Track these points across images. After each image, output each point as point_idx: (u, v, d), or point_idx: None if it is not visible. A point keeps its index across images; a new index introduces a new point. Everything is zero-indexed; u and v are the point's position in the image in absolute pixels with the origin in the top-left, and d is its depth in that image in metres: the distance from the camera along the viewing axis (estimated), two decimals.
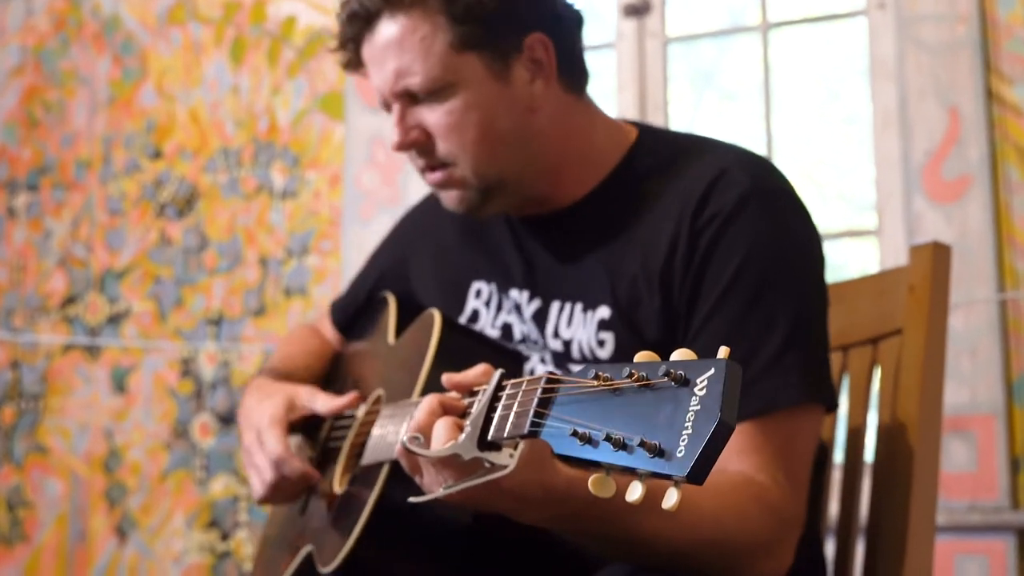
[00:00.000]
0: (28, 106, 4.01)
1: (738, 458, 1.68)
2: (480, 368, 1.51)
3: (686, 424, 1.07)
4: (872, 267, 3.31)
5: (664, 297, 1.79)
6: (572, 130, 1.92)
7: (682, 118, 3.65)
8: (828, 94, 3.58)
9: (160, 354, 3.73)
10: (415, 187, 3.52)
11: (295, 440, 2.00)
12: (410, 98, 1.84)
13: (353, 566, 1.73)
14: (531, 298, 1.93)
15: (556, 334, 1.88)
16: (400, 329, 2.02)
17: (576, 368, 1.83)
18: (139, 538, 3.68)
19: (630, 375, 1.14)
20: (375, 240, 3.49)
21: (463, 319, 2.01)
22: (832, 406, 1.81)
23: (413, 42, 1.84)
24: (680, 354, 1.13)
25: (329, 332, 2.32)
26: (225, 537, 3.61)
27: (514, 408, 1.31)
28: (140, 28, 3.93)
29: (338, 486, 1.91)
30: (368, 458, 1.80)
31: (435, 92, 1.83)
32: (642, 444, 1.08)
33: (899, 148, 3.09)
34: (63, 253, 3.90)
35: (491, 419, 1.36)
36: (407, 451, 1.46)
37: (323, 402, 1.97)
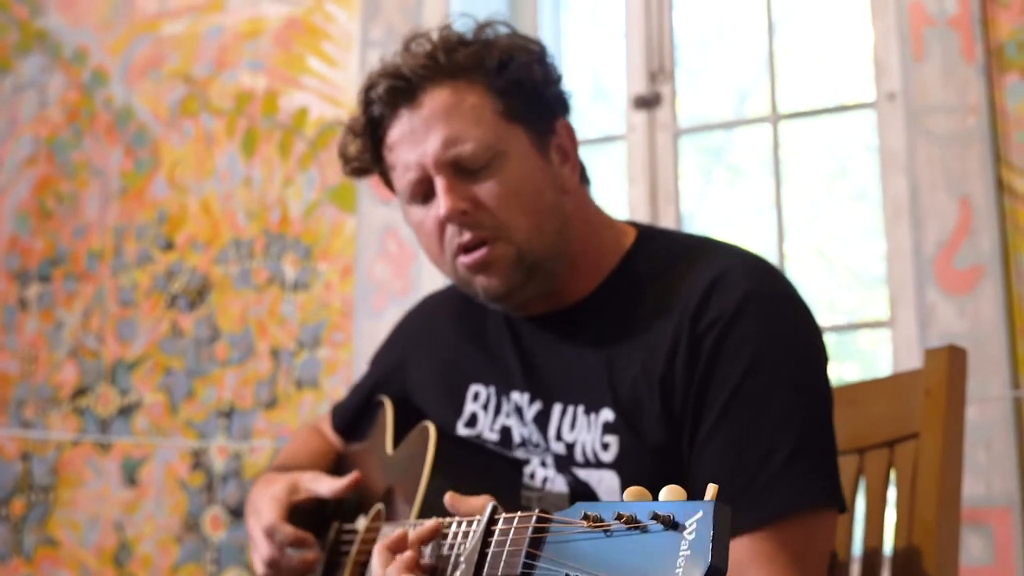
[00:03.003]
0: (40, 197, 4.03)
1: (754, 568, 1.66)
2: (483, 500, 1.50)
3: (677, 570, 1.06)
4: (885, 357, 3.30)
5: (664, 401, 1.77)
6: (588, 222, 1.93)
7: (693, 209, 3.66)
8: (838, 184, 3.59)
9: (171, 446, 3.72)
10: (427, 278, 3.53)
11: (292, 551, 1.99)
12: (456, 169, 1.82)
13: None
14: (532, 400, 1.91)
15: (559, 436, 1.86)
16: (398, 437, 2.01)
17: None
18: None
19: (619, 517, 1.13)
20: (387, 332, 3.51)
21: (461, 422, 2.00)
22: (843, 508, 1.80)
23: (463, 110, 1.83)
24: (669, 492, 1.12)
25: (330, 434, 2.32)
26: None
27: (507, 546, 1.29)
28: (152, 119, 3.95)
29: None
30: None
31: (486, 162, 1.82)
32: None
33: (910, 239, 3.09)
34: (74, 344, 3.90)
35: (485, 555, 1.34)
36: None
37: (326, 485, 1.96)
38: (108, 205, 3.95)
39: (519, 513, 1.30)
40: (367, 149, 1.93)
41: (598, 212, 1.97)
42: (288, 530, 1.90)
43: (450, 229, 1.83)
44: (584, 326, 1.90)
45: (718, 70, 3.93)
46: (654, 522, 1.09)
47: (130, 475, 3.75)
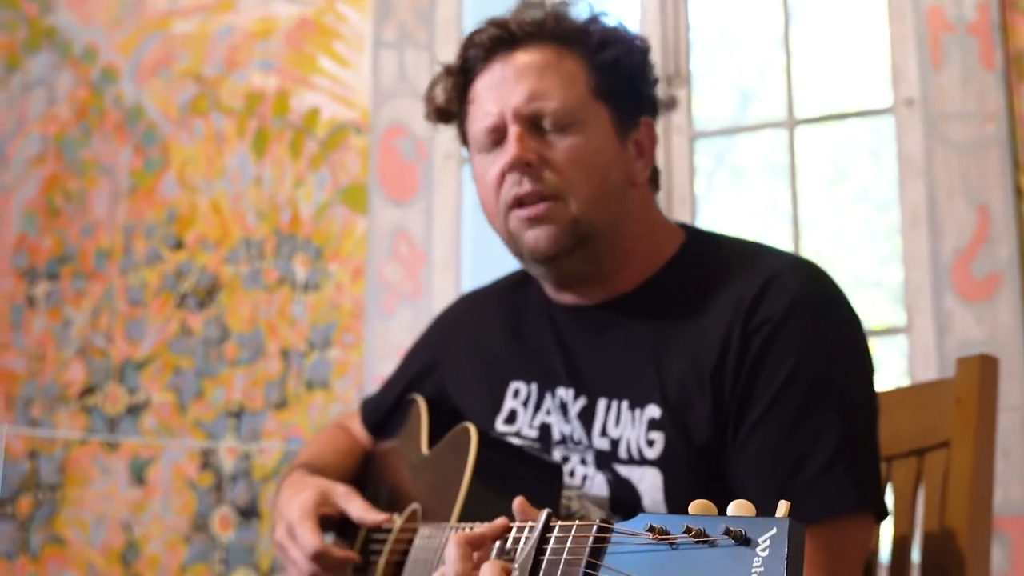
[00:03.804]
0: (49, 195, 4.01)
1: None
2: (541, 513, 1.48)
3: None
4: (901, 364, 3.28)
5: (715, 398, 1.77)
6: (647, 221, 1.94)
7: (708, 212, 3.65)
8: (855, 189, 3.58)
9: (180, 446, 3.71)
10: (438, 280, 3.52)
11: (328, 537, 1.97)
12: (533, 124, 1.85)
13: None
14: (577, 396, 1.90)
15: (604, 432, 1.85)
16: (433, 437, 2.00)
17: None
18: None
19: (687, 530, 1.11)
20: (398, 333, 3.50)
21: (500, 419, 1.99)
22: (882, 515, 1.79)
23: (558, 71, 1.86)
24: (737, 507, 1.10)
25: (359, 431, 2.30)
26: None
27: (564, 555, 1.27)
28: (162, 118, 3.94)
29: None
30: None
31: (564, 124, 1.84)
32: None
33: (928, 246, 3.08)
34: (82, 343, 3.88)
35: (540, 562, 1.33)
36: None
37: (358, 508, 1.94)
38: (117, 204, 3.93)
39: (577, 522, 1.28)
40: (455, 91, 1.95)
41: (658, 214, 1.98)
42: (337, 554, 1.89)
43: (510, 179, 1.85)
44: (630, 320, 1.90)
45: (729, 74, 3.93)
46: (725, 537, 1.06)
47: (138, 474, 3.73)
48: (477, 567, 1.40)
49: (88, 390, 3.85)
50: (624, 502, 1.82)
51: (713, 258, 1.91)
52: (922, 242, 3.09)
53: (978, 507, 1.91)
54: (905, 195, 3.14)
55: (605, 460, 1.84)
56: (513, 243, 1.91)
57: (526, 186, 1.84)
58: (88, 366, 3.86)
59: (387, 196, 3.61)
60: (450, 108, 1.97)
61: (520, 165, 1.83)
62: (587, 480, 1.85)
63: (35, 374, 3.90)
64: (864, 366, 1.83)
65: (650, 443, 1.81)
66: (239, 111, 3.85)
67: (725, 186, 4.29)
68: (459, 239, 3.54)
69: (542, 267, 1.92)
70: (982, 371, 1.95)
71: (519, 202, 1.85)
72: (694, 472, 1.77)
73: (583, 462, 1.87)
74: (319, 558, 1.89)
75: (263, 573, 3.57)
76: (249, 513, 3.61)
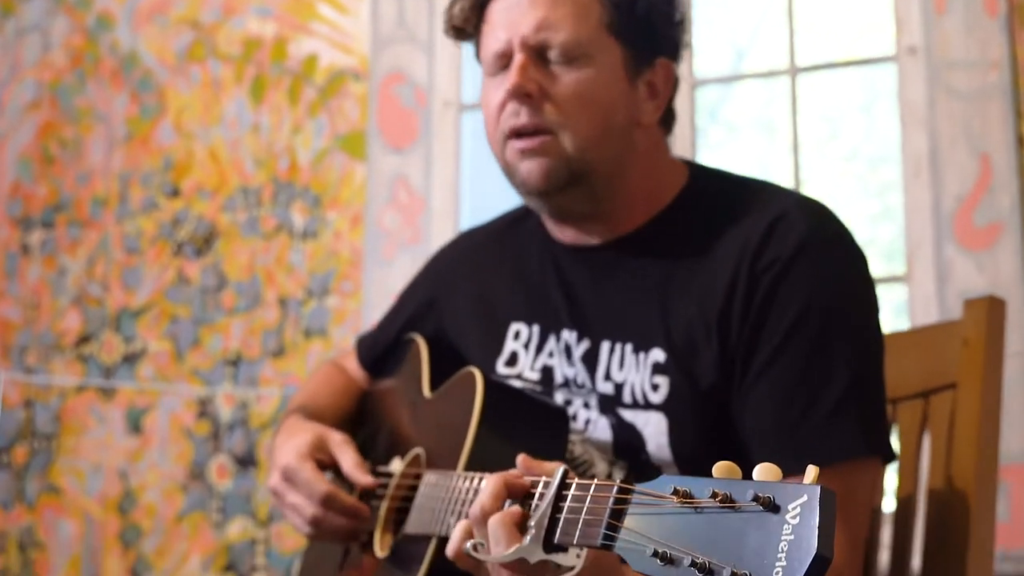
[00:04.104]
0: (44, 142, 3.99)
1: None
2: (553, 464, 1.46)
3: (779, 555, 1.01)
4: (900, 313, 3.28)
5: (722, 342, 1.75)
6: (653, 162, 1.91)
7: (708, 161, 3.62)
8: (857, 138, 3.56)
9: (176, 394, 3.70)
10: (437, 228, 3.50)
11: (328, 476, 1.95)
12: (538, 54, 1.82)
13: None
14: (580, 338, 1.88)
15: (608, 376, 1.84)
16: (435, 380, 1.98)
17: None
18: None
19: (714, 495, 1.09)
20: (397, 281, 3.48)
21: (501, 361, 1.97)
22: (890, 458, 1.78)
23: (572, 2, 1.83)
24: (763, 471, 1.08)
25: (355, 369, 2.28)
26: None
27: (583, 514, 1.26)
28: (158, 65, 3.91)
29: (379, 549, 1.87)
30: (412, 527, 1.76)
31: (571, 57, 1.82)
32: (733, 574, 1.03)
33: (930, 195, 3.07)
34: (78, 291, 3.86)
35: (556, 519, 1.32)
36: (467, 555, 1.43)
37: (350, 462, 1.91)
38: (113, 151, 3.91)
39: (595, 481, 1.26)
40: (472, 11, 1.92)
41: (665, 155, 1.95)
42: (346, 500, 1.87)
43: (510, 108, 1.83)
44: (634, 260, 1.88)
45: (725, 25, 3.90)
46: (753, 503, 1.04)
47: (134, 423, 3.72)
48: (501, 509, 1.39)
49: (84, 339, 3.83)
50: (627, 446, 1.81)
51: (718, 197, 1.89)
52: (924, 191, 3.08)
53: (985, 448, 1.91)
54: (907, 144, 3.13)
55: (609, 404, 1.83)
56: (509, 173, 1.89)
57: (523, 118, 1.82)
58: (84, 315, 3.84)
59: (386, 143, 3.59)
60: (466, 27, 1.95)
61: (519, 95, 1.81)
62: (590, 424, 1.84)
63: (30, 323, 3.89)
64: (872, 307, 1.82)
65: (654, 387, 1.79)
66: (236, 58, 3.83)
67: (719, 142, 4.27)
68: (458, 186, 3.53)
69: (537, 200, 1.90)
70: (990, 313, 1.94)
71: (516, 133, 1.83)
72: (699, 417, 1.76)
73: (586, 406, 1.85)
74: (327, 502, 1.86)
75: (260, 522, 3.56)
76: (246, 462, 3.60)
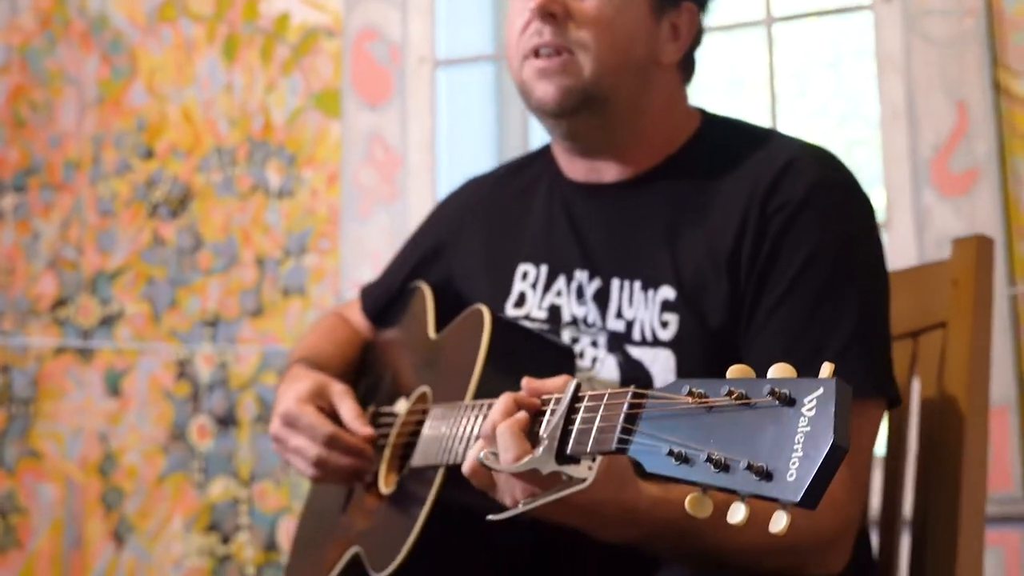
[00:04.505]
0: (14, 106, 3.95)
1: None
2: (562, 379, 1.48)
3: (795, 446, 1.02)
4: None
5: (731, 282, 1.77)
6: (668, 104, 1.94)
7: None
8: (833, 87, 3.56)
9: (155, 356, 3.68)
10: (414, 184, 3.49)
11: None
12: None
13: (407, 572, 1.70)
14: (591, 277, 1.90)
15: (619, 314, 1.85)
16: (441, 322, 1.99)
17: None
18: (137, 543, 3.63)
19: (729, 393, 1.11)
20: (375, 238, 3.48)
21: (510, 303, 1.98)
22: (895, 401, 1.80)
23: None
24: (778, 370, 1.09)
25: (358, 320, 2.28)
26: (226, 540, 3.56)
27: (596, 422, 1.27)
28: (129, 26, 3.88)
29: (384, 486, 1.87)
30: (419, 460, 1.77)
31: None
32: (749, 467, 1.05)
33: (907, 142, 3.08)
34: (52, 255, 3.84)
35: (569, 431, 1.33)
36: (481, 466, 1.43)
37: (349, 412, 1.92)
38: (85, 114, 3.88)
39: (609, 390, 1.27)
40: None
41: (682, 99, 1.98)
42: (349, 440, 1.88)
43: (533, 27, 1.86)
44: (645, 200, 1.89)
45: None
46: (769, 398, 1.05)
47: (113, 386, 3.71)
48: None
49: (60, 303, 3.81)
50: (635, 384, 1.82)
51: (729, 142, 1.91)
52: (900, 138, 3.10)
53: (976, 385, 1.93)
54: (884, 92, 3.14)
55: (617, 342, 1.84)
56: (526, 94, 1.91)
57: (546, 36, 1.85)
58: (59, 278, 3.82)
59: (361, 100, 3.58)
60: None
61: (544, 14, 1.84)
62: (597, 363, 1.85)
63: (5, 288, 3.86)
64: (879, 252, 1.85)
65: (664, 324, 1.81)
66: (208, 17, 3.80)
67: (709, 88, 4.27)
68: (434, 142, 3.52)
69: (552, 123, 1.92)
70: (979, 251, 1.96)
71: (535, 52, 1.86)
72: (708, 355, 1.77)
73: (594, 344, 1.87)
74: (331, 442, 1.87)
75: (243, 481, 3.56)
76: (227, 422, 3.59)
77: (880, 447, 2.06)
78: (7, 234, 3.89)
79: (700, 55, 2.01)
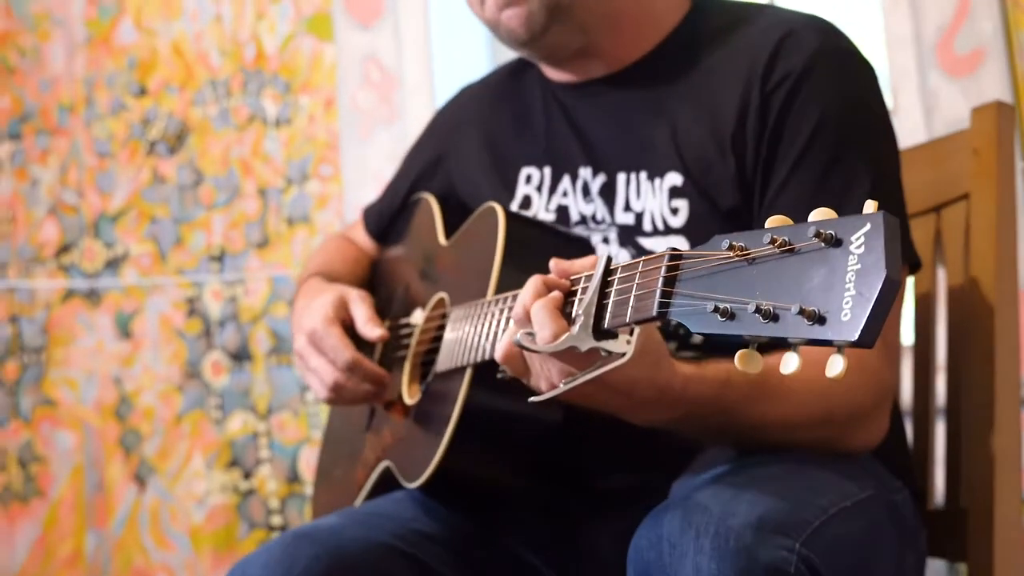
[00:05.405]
0: (2, 53, 3.89)
1: None
2: (590, 258, 1.45)
3: (847, 285, 0.99)
4: None
5: (738, 161, 1.74)
6: None
7: None
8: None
9: (163, 295, 3.65)
10: (412, 103, 3.45)
11: None
12: None
13: (442, 477, 1.68)
14: (595, 173, 1.87)
15: (628, 207, 1.82)
16: (450, 227, 1.96)
17: (656, 244, 1.78)
18: (159, 483, 3.62)
19: (772, 241, 1.07)
20: (376, 160, 3.44)
21: (515, 206, 1.96)
22: (916, 265, 1.78)
23: None
24: (820, 214, 1.07)
25: (363, 240, 2.26)
26: (248, 475, 3.55)
27: (632, 291, 1.24)
28: None
29: (408, 397, 1.85)
30: (444, 364, 1.74)
31: None
32: (800, 312, 1.01)
33: (910, 25, 3.04)
34: (53, 201, 3.80)
35: (604, 305, 1.30)
36: (519, 348, 1.40)
37: (362, 317, 1.90)
38: (74, 56, 3.83)
39: (643, 258, 1.24)
40: None
41: None
42: (369, 367, 1.85)
43: None
44: (639, 90, 1.86)
45: None
46: (814, 241, 1.02)
47: (123, 328, 3.68)
48: None
49: (64, 248, 3.78)
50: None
51: (722, 19, 1.87)
52: (904, 22, 3.05)
53: (1004, 253, 1.89)
54: None
55: (629, 235, 1.81)
56: (494, 29, 1.89)
57: None
58: (61, 224, 3.78)
59: (354, 21, 3.52)
60: None
61: None
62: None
63: (7, 237, 3.82)
64: (886, 116, 1.82)
65: (674, 211, 1.78)
66: None
67: None
68: (430, 59, 3.47)
69: (528, 50, 1.89)
70: (999, 118, 1.92)
71: None
72: None
73: (605, 240, 1.84)
74: (351, 368, 1.84)
75: (260, 415, 3.54)
76: (241, 356, 3.57)
77: (907, 335, 2.03)
78: (6, 183, 3.85)
79: None
